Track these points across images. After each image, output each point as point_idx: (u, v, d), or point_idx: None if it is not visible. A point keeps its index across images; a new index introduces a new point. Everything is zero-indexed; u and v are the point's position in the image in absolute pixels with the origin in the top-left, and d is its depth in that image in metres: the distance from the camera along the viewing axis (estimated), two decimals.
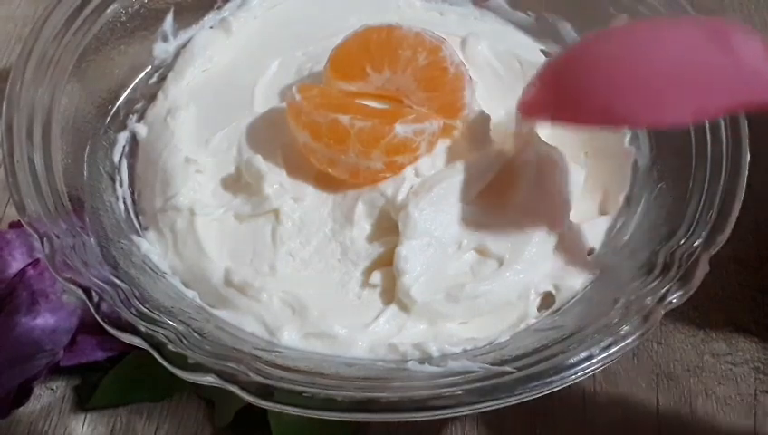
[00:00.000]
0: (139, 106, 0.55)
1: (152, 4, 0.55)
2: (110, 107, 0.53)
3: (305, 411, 0.38)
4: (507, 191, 0.49)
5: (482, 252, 0.48)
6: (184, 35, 0.57)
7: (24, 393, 0.49)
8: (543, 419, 0.51)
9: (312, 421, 0.41)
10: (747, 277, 0.57)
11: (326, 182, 0.50)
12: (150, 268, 0.47)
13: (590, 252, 0.49)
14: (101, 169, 0.51)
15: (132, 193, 0.52)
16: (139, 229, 0.50)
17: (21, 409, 0.50)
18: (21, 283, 0.50)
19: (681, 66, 0.41)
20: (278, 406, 0.38)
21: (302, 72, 0.55)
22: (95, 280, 0.41)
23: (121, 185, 0.51)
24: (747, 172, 0.45)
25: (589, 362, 0.39)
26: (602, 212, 0.51)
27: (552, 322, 0.46)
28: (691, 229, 0.44)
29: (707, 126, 0.48)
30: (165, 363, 0.39)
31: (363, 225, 0.48)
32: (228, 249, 0.48)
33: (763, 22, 0.71)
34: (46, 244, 0.42)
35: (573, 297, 0.47)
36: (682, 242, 0.43)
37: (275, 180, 0.49)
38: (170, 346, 0.39)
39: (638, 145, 0.52)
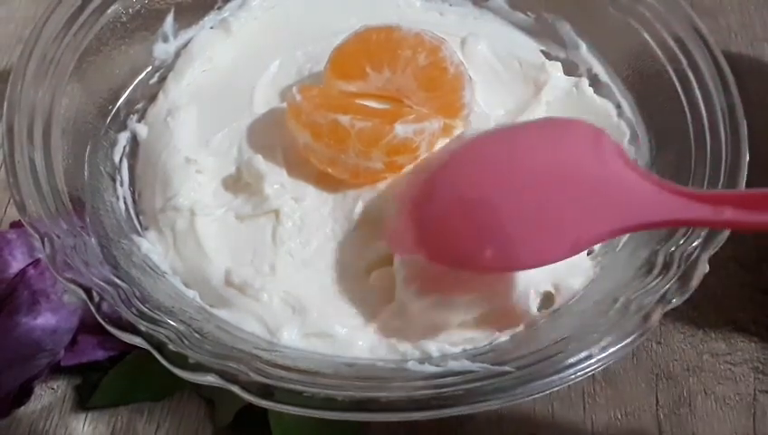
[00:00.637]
0: (139, 106, 0.55)
1: (152, 4, 0.55)
2: (110, 107, 0.53)
3: (305, 411, 0.38)
4: None
5: None
6: (184, 36, 0.57)
7: (24, 393, 0.49)
8: (543, 418, 0.51)
9: (312, 421, 0.41)
10: (746, 277, 0.57)
11: (326, 182, 0.50)
12: (151, 268, 0.47)
13: (590, 252, 0.49)
14: (102, 169, 0.51)
15: (133, 193, 0.52)
16: (139, 229, 0.50)
17: (22, 408, 0.50)
18: (22, 283, 0.50)
19: (550, 202, 0.39)
20: (278, 405, 0.38)
21: (303, 73, 0.55)
22: (96, 280, 0.41)
23: (122, 185, 0.52)
24: (746, 172, 0.45)
25: (588, 362, 0.39)
26: None
27: (552, 321, 0.46)
28: (690, 229, 0.44)
29: (706, 125, 0.48)
30: (165, 363, 0.39)
31: (363, 225, 0.49)
32: (228, 249, 0.48)
33: (762, 22, 0.71)
34: (47, 244, 0.42)
35: (573, 297, 0.47)
36: (681, 242, 0.43)
37: (276, 180, 0.49)
38: (171, 346, 0.39)
39: (638, 145, 0.52)
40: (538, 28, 0.59)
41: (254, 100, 0.54)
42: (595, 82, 0.56)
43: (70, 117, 0.49)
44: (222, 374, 0.38)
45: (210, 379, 0.39)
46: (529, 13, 0.60)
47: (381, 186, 0.49)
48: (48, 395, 0.52)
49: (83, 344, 0.51)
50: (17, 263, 0.52)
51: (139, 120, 0.54)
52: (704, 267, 0.42)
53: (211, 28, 0.58)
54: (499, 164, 0.42)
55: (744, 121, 0.47)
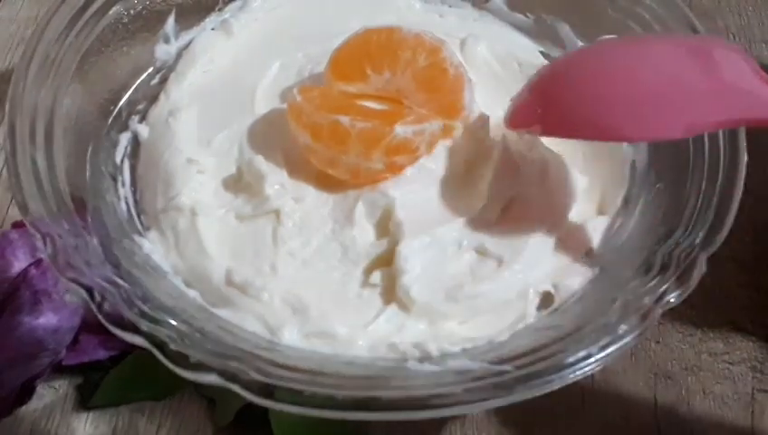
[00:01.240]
0: (140, 107, 0.55)
1: (154, 5, 0.55)
2: (112, 108, 0.53)
3: (306, 410, 0.39)
4: (507, 192, 0.50)
5: (481, 252, 0.48)
6: (185, 37, 0.58)
7: (26, 392, 0.50)
8: (542, 418, 0.51)
9: (312, 420, 0.41)
10: (744, 277, 0.57)
11: (326, 183, 0.50)
12: (152, 268, 0.47)
13: (589, 252, 0.49)
14: (104, 169, 0.51)
15: (134, 193, 0.52)
16: (140, 229, 0.50)
17: (24, 407, 0.51)
18: (24, 282, 0.50)
19: (669, 83, 0.41)
20: (279, 405, 0.39)
21: (303, 74, 0.56)
22: (97, 280, 0.41)
23: (123, 185, 0.52)
24: (744, 173, 0.45)
25: (587, 362, 0.39)
26: (601, 212, 0.51)
27: (551, 321, 0.46)
28: (689, 229, 0.44)
29: None
30: (166, 362, 0.39)
31: (363, 225, 0.49)
32: (229, 249, 0.49)
33: (760, 23, 0.71)
34: (49, 244, 0.42)
35: (572, 297, 0.47)
36: (680, 242, 0.44)
37: (276, 181, 0.49)
38: (172, 345, 0.39)
39: (636, 146, 0.52)
40: (537, 29, 0.59)
41: (255, 101, 0.54)
42: None
43: (72, 117, 0.49)
44: (223, 373, 0.38)
45: (211, 378, 0.39)
46: (528, 14, 0.60)
47: (381, 186, 0.49)
48: (50, 394, 0.52)
49: (85, 344, 0.51)
50: (19, 263, 0.52)
51: (140, 121, 0.55)
52: (702, 267, 0.42)
53: (212, 29, 0.59)
54: (627, 48, 0.45)
55: None
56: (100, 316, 0.40)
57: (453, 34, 0.56)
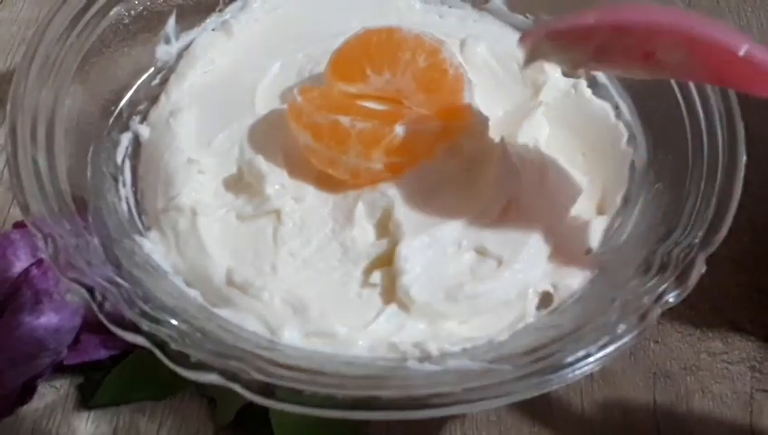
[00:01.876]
0: (141, 107, 0.55)
1: (154, 6, 0.56)
2: (113, 108, 0.53)
3: (306, 409, 0.39)
4: (507, 192, 0.50)
5: (481, 252, 0.48)
6: (186, 37, 0.58)
7: (27, 392, 0.50)
8: (541, 417, 0.51)
9: (312, 419, 0.41)
10: (743, 277, 0.57)
11: (327, 183, 0.50)
12: (153, 268, 0.47)
13: (588, 252, 0.49)
14: (105, 169, 0.51)
15: (135, 193, 0.52)
16: (141, 229, 0.50)
17: (25, 407, 0.51)
18: (25, 282, 0.50)
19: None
20: (279, 404, 0.39)
21: (303, 74, 0.56)
22: (98, 279, 0.41)
23: (124, 185, 0.52)
24: (743, 173, 0.45)
25: (586, 361, 0.40)
26: (600, 212, 0.52)
27: (551, 321, 0.46)
28: (688, 229, 0.44)
29: (704, 127, 0.48)
30: (167, 362, 0.39)
31: (363, 225, 0.49)
32: (230, 249, 0.49)
33: (759, 24, 0.71)
34: (50, 244, 0.42)
35: (571, 297, 0.47)
36: (679, 242, 0.44)
37: (276, 181, 0.49)
38: (173, 345, 0.39)
39: (636, 146, 0.52)
40: None
41: (256, 101, 0.54)
42: (593, 83, 0.56)
43: (73, 118, 0.49)
44: (223, 373, 0.39)
45: (212, 377, 0.39)
46: (528, 15, 0.60)
47: (381, 186, 0.49)
48: (51, 394, 0.52)
49: (86, 343, 0.51)
50: (20, 263, 0.52)
51: (141, 121, 0.55)
52: (701, 267, 0.42)
53: (213, 30, 0.59)
54: None
55: (742, 123, 0.47)
56: (101, 316, 0.40)
57: (453, 35, 0.56)
